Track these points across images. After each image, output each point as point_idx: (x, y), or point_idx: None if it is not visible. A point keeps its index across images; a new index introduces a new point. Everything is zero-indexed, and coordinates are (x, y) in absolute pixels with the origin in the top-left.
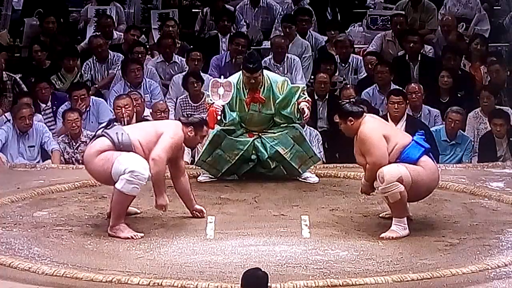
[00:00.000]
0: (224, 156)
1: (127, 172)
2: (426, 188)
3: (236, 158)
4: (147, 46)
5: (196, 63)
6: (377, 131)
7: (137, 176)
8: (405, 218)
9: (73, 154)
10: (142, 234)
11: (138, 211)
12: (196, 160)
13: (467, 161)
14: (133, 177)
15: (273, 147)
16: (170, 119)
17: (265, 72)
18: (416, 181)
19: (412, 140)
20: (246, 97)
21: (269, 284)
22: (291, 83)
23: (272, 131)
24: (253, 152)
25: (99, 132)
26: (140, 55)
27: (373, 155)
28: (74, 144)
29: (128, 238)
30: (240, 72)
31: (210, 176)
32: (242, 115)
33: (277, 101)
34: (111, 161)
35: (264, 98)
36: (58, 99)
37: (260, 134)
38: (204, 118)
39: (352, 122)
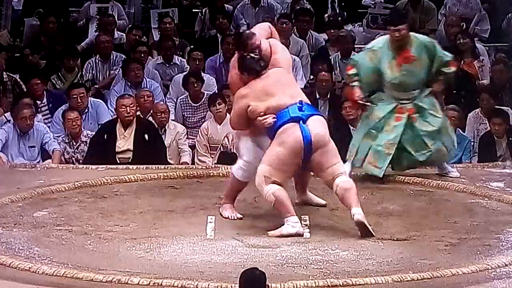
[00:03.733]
0: (383, 150)
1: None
2: (291, 161)
3: (394, 149)
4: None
5: (197, 63)
6: (246, 97)
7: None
8: (294, 217)
9: (73, 154)
10: (241, 216)
11: (323, 202)
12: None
13: (467, 161)
14: (244, 165)
15: (421, 137)
16: (171, 120)
17: (413, 33)
18: (281, 161)
19: (287, 106)
20: (396, 58)
21: (267, 284)
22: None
23: (425, 118)
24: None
25: None
26: (142, 55)
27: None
28: (74, 144)
29: (226, 217)
30: (386, 36)
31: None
32: (393, 80)
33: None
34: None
35: (415, 57)
36: (54, 97)
37: (410, 115)
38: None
39: (245, 76)
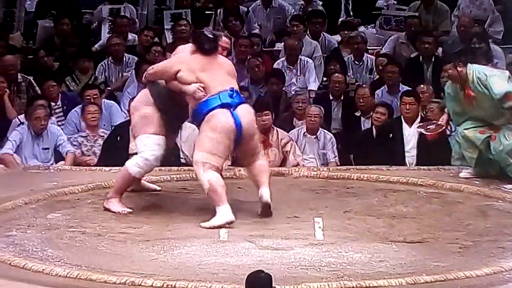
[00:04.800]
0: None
1: (139, 155)
2: (225, 145)
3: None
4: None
5: None
6: (183, 63)
7: (146, 162)
8: (225, 206)
9: (90, 147)
10: (131, 210)
11: (158, 188)
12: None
13: None
14: (142, 162)
15: (499, 153)
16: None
17: (473, 66)
18: (215, 146)
19: (218, 92)
20: (462, 92)
21: (273, 286)
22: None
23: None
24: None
25: None
26: (157, 54)
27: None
28: (91, 138)
29: (115, 212)
30: None
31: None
32: (469, 113)
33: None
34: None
35: (474, 94)
36: (68, 99)
37: (492, 135)
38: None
39: (193, 49)
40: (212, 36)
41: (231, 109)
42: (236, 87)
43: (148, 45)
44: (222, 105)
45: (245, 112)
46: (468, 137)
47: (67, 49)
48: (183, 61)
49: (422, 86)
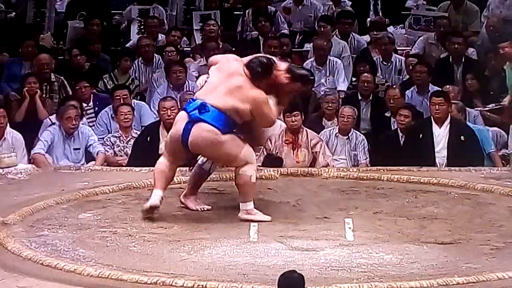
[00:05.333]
0: None
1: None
2: (172, 147)
3: None
4: (190, 48)
5: None
6: (218, 61)
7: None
8: (156, 190)
9: (122, 148)
10: (210, 207)
11: None
12: None
13: None
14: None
15: None
16: None
17: None
18: (167, 144)
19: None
20: None
21: (306, 287)
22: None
23: None
24: None
25: None
26: (170, 54)
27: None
28: (124, 138)
29: (196, 210)
30: None
31: None
32: None
33: None
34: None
35: None
36: (100, 100)
37: None
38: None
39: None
40: (264, 61)
41: (190, 120)
42: (222, 107)
43: (162, 46)
44: (187, 111)
45: (197, 130)
46: None
47: (95, 50)
48: (227, 60)
49: (447, 86)
